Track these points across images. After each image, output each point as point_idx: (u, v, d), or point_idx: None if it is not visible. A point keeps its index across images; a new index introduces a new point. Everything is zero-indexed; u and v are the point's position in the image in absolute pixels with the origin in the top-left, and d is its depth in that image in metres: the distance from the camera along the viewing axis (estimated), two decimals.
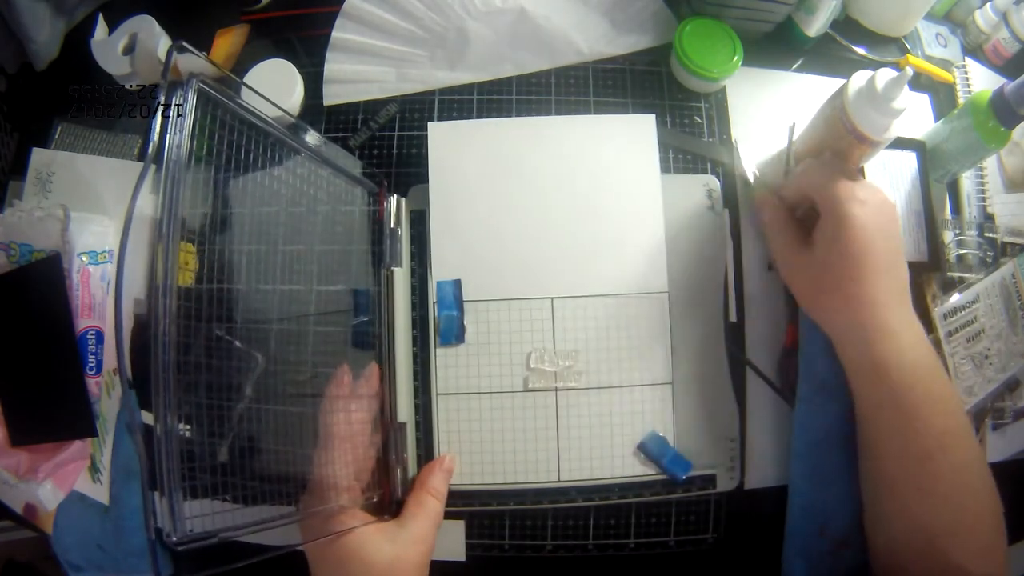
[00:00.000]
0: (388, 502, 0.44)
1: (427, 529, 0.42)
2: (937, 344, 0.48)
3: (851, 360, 0.41)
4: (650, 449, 0.45)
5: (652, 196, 0.48)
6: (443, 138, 0.49)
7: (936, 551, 0.38)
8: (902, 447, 0.39)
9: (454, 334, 0.46)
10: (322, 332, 0.48)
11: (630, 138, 0.49)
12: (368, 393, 0.44)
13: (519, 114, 0.52)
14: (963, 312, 0.49)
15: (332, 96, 0.53)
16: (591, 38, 0.54)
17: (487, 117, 0.52)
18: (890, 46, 0.57)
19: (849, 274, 0.39)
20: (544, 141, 0.49)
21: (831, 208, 0.40)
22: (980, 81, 0.56)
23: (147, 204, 0.54)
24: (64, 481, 0.48)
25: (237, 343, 0.48)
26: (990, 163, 0.55)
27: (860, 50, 0.56)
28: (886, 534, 0.41)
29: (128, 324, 0.50)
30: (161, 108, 0.32)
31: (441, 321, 0.46)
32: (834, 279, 0.40)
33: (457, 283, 0.46)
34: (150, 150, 0.33)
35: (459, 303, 0.46)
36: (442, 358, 0.46)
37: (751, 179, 0.50)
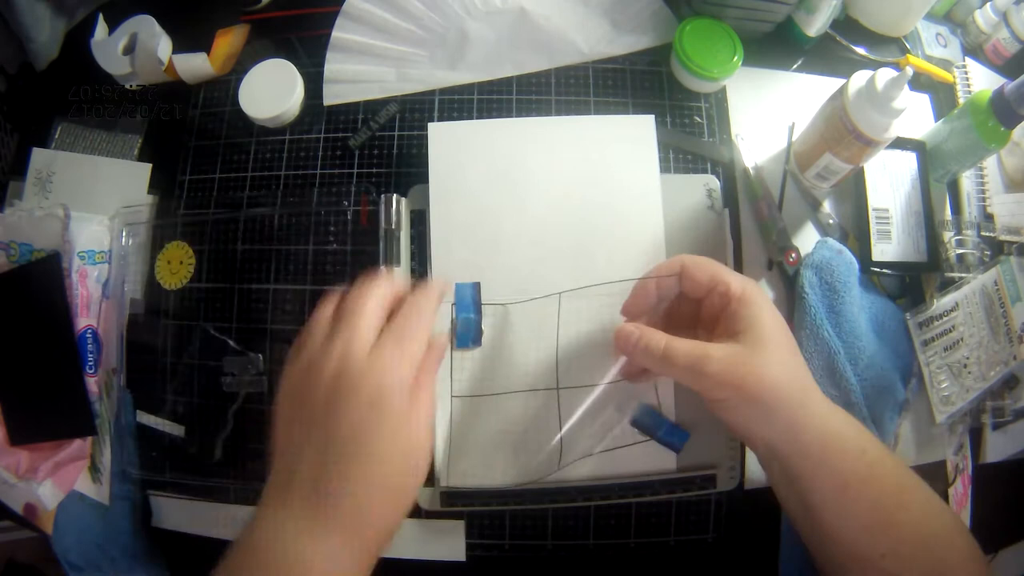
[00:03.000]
0: None
1: None
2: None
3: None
4: (644, 423, 0.44)
5: (652, 195, 0.48)
6: (443, 138, 0.49)
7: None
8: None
9: (471, 337, 0.45)
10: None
11: (630, 138, 0.49)
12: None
13: (519, 114, 0.52)
14: (940, 321, 0.48)
15: (332, 96, 0.53)
16: (591, 38, 0.54)
17: (487, 117, 0.52)
18: (890, 46, 0.57)
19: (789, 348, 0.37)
20: (544, 141, 0.49)
21: (744, 291, 0.37)
22: (980, 81, 0.56)
23: (146, 204, 0.54)
24: (64, 481, 0.48)
25: (232, 343, 0.48)
26: (990, 163, 0.55)
27: (860, 50, 0.56)
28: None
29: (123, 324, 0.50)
30: None
31: (459, 324, 0.45)
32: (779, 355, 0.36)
33: (476, 286, 0.46)
34: None
35: (477, 306, 0.46)
36: (458, 361, 0.45)
37: (751, 172, 0.50)
